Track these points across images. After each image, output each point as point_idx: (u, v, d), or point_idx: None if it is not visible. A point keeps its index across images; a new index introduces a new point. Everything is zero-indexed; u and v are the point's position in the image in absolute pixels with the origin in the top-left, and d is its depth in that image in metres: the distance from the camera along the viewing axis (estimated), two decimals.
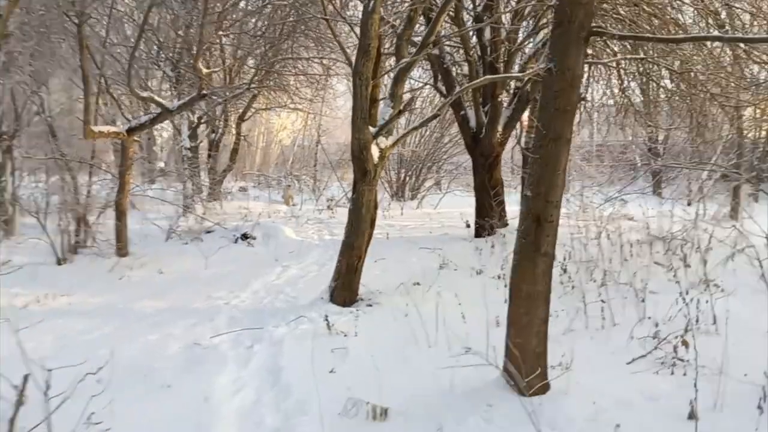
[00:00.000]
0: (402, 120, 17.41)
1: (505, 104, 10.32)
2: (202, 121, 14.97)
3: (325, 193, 19.03)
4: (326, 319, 4.91)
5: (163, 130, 24.46)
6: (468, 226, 12.29)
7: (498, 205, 10.26)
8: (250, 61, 13.81)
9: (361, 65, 5.27)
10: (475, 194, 10.43)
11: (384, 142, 5.76)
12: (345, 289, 5.92)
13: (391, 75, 5.95)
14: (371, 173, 5.64)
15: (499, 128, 9.89)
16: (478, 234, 10.25)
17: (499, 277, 7.24)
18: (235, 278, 7.79)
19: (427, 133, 18.71)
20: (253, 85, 13.85)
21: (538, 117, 3.45)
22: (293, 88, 16.28)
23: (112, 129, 7.57)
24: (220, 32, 8.53)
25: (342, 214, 14.90)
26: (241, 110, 16.67)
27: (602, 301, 5.22)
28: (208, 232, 10.77)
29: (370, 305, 6.08)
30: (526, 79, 9.59)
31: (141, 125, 7.67)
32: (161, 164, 22.86)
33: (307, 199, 17.49)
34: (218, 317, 5.97)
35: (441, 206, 16.87)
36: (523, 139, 11.22)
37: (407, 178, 18.77)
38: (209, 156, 16.73)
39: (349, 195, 18.01)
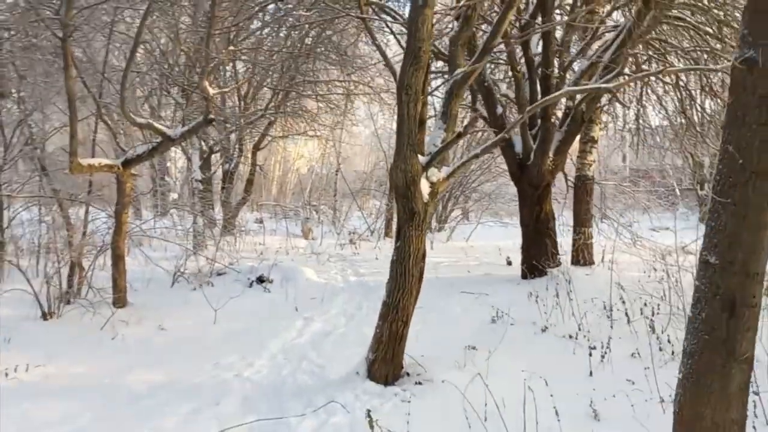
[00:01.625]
0: None
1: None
2: (215, 150, 13.93)
3: (346, 225, 17.81)
4: (368, 415, 3.61)
5: (178, 160, 23.59)
6: (509, 263, 10.98)
7: (550, 242, 8.94)
8: (266, 85, 12.72)
9: (410, 75, 4.06)
10: (522, 229, 9.13)
11: (435, 174, 4.52)
12: (387, 362, 4.63)
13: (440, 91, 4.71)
14: (420, 215, 4.39)
15: (550, 154, 8.62)
16: (527, 275, 8.92)
17: (571, 337, 5.91)
18: (248, 337, 6.53)
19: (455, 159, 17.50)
20: (269, 112, 12.81)
21: (727, 137, 2.18)
22: (312, 114, 15.22)
23: (105, 162, 6.43)
24: (231, 47, 7.47)
25: (366, 249, 13.66)
26: (256, 138, 15.63)
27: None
28: (220, 274, 9.57)
29: (420, 383, 4.76)
30: (580, 96, 8.38)
31: (138, 157, 6.54)
32: (174, 196, 21.93)
33: (327, 232, 16.29)
34: (226, 399, 4.70)
35: (473, 238, 15.56)
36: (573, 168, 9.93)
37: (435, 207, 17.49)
38: (223, 188, 15.66)
39: (374, 228, 16.83)
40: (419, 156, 4.31)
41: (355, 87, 13.86)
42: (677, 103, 10.79)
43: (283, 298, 8.41)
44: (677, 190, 24.32)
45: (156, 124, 6.27)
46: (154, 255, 10.51)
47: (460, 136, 4.29)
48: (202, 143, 13.42)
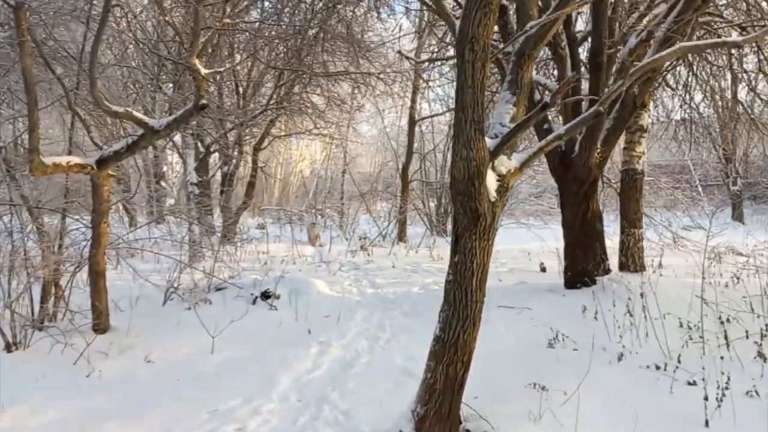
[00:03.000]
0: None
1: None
2: (213, 150, 12.77)
3: (356, 230, 16.62)
4: None
5: (175, 164, 22.46)
6: (543, 270, 9.80)
7: (598, 246, 7.76)
8: (270, 66, 11.49)
9: (475, 23, 2.89)
10: (565, 231, 7.95)
11: (505, 163, 3.36)
12: (442, 418, 3.46)
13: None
14: (486, 218, 3.23)
15: (598, 144, 7.45)
16: (572, 284, 7.74)
17: (658, 368, 4.73)
18: (253, 369, 5.35)
19: None
20: (271, 107, 11.66)
21: None
22: (317, 111, 14.04)
23: (75, 160, 5.25)
24: (226, 19, 6.30)
25: (380, 256, 12.48)
26: (257, 138, 14.47)
27: None
28: (219, 289, 8.37)
29: None
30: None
31: (116, 154, 5.37)
32: (171, 201, 20.75)
33: (335, 237, 15.10)
34: None
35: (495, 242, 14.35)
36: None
37: (450, 209, 16.28)
38: (222, 191, 14.49)
39: (386, 232, 15.62)
40: (487, 139, 3.15)
41: (364, 79, 12.68)
42: (724, 89, 9.67)
43: (293, 317, 7.23)
44: (699, 186, 23.15)
45: (135, 113, 5.11)
46: (145, 268, 9.34)
47: (546, 107, 3.12)
48: (198, 143, 12.26)
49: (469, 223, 3.23)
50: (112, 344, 5.90)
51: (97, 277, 6.37)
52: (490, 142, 3.22)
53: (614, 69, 7.79)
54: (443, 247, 13.17)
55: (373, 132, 24.39)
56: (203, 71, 4.91)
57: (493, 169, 3.30)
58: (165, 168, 22.20)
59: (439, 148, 16.64)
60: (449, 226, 16.14)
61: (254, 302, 7.89)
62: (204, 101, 4.95)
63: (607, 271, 7.75)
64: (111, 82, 10.48)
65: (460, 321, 3.36)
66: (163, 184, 21.02)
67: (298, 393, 4.79)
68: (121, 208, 19.90)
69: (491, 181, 3.27)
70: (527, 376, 4.72)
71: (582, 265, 7.62)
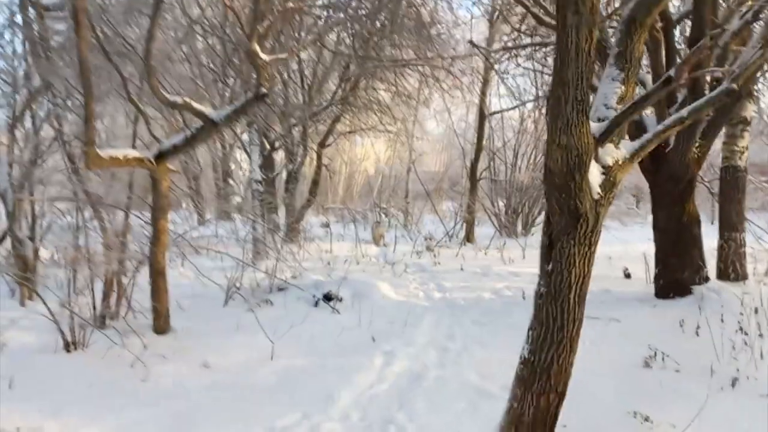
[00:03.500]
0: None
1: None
2: (277, 147, 12.59)
3: (421, 229, 16.13)
4: None
5: (244, 161, 22.61)
6: (628, 276, 8.99)
7: (695, 251, 6.95)
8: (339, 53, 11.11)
9: None
10: (657, 235, 7.18)
11: (612, 153, 2.79)
12: None
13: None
14: (589, 219, 2.68)
15: (697, 138, 6.64)
16: (665, 294, 6.97)
17: None
18: (312, 381, 4.95)
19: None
20: (335, 102, 11.34)
21: None
22: (383, 107, 13.63)
23: (133, 154, 5.02)
24: (290, 3, 5.94)
25: (447, 258, 11.92)
26: (321, 135, 14.22)
27: None
28: (281, 289, 8.09)
29: None
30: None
31: (175, 148, 5.11)
32: (238, 199, 20.91)
33: (399, 237, 14.67)
34: None
35: None
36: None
37: (521, 208, 15.53)
38: (286, 189, 14.32)
39: (453, 232, 15.02)
40: (592, 123, 2.59)
41: (432, 72, 12.16)
42: None
43: (356, 322, 6.81)
44: None
45: (194, 104, 4.82)
46: (209, 266, 9.19)
47: (669, 81, 2.51)
48: (264, 139, 12.09)
49: (567, 225, 2.68)
50: (170, 347, 5.65)
51: (157, 276, 6.16)
52: (594, 127, 2.66)
53: (714, 56, 6.94)
54: (513, 248, 12.47)
55: (440, 130, 23.81)
56: (264, 57, 4.55)
57: (598, 159, 2.74)
58: (233, 166, 22.47)
59: (510, 144, 15.89)
60: (519, 227, 15.39)
61: (316, 304, 7.55)
62: (265, 90, 4.59)
63: (705, 280, 6.92)
64: (178, 79, 10.44)
65: (554, 343, 2.81)
66: (230, 182, 21.28)
67: (361, 411, 4.34)
68: (190, 205, 20.29)
69: (595, 174, 2.71)
70: (624, 401, 4.10)
71: (676, 273, 6.85)
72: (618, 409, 3.93)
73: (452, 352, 5.72)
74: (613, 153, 2.79)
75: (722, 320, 5.19)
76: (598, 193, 2.74)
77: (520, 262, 11.17)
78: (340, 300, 7.55)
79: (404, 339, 6.17)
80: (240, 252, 9.15)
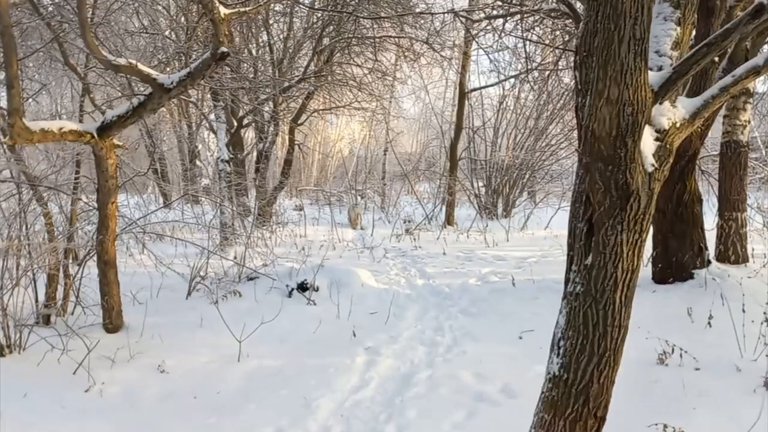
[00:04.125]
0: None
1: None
2: (245, 124, 11.81)
3: (398, 212, 15.52)
4: None
5: (213, 141, 21.68)
6: None
7: (696, 233, 6.46)
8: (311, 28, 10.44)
9: None
10: (654, 215, 6.64)
11: (670, 113, 2.20)
12: None
13: None
14: (640, 198, 2.09)
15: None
16: (663, 278, 6.49)
17: None
18: (287, 387, 4.33)
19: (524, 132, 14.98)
20: (308, 76, 10.60)
21: None
22: (359, 83, 12.89)
23: (69, 127, 4.24)
24: None
25: (427, 242, 11.35)
26: (293, 112, 13.44)
27: None
28: (251, 278, 7.40)
29: None
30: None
31: (120, 119, 4.37)
32: (205, 182, 20.00)
33: (377, 220, 14.04)
34: None
35: (552, 227, 13.02)
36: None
37: (502, 189, 15.01)
38: (257, 170, 13.56)
39: (433, 215, 14.42)
40: (650, 72, 1.99)
41: (410, 45, 11.47)
42: None
43: (334, 314, 6.20)
44: None
45: (141, 66, 4.08)
46: (171, 253, 8.46)
47: (760, 11, 1.91)
48: (231, 116, 11.29)
49: (614, 206, 2.09)
50: (120, 349, 4.95)
51: (105, 268, 5.43)
52: (652, 78, 2.06)
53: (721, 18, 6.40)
54: (496, 231, 11.96)
55: (416, 109, 23.14)
56: (223, 10, 3.84)
57: (651, 122, 2.15)
58: (200, 146, 21.49)
59: (490, 123, 15.32)
60: (500, 209, 14.90)
61: (290, 295, 6.90)
62: (224, 48, 3.89)
63: (707, 264, 6.45)
64: (136, 53, 9.58)
65: (594, 356, 2.22)
66: (198, 162, 20.35)
67: (343, 424, 3.73)
68: (156, 189, 19.36)
69: (648, 141, 2.12)
70: (646, 409, 3.57)
71: (676, 256, 6.36)
72: (641, 421, 3.39)
73: (442, 347, 5.14)
74: (670, 113, 2.19)
75: (744, 310, 4.68)
76: (652, 165, 2.16)
77: (504, 245, 10.66)
78: (317, 290, 6.91)
79: (388, 333, 5.58)
80: (206, 238, 8.42)
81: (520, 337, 5.17)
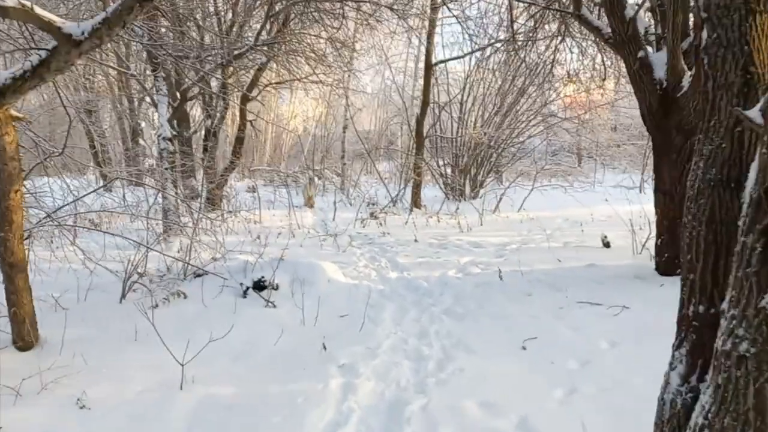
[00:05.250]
0: None
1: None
2: (190, 97, 10.61)
3: (360, 193, 14.59)
4: None
5: (155, 117, 20.21)
6: (607, 245, 7.85)
7: None
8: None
9: None
10: (660, 198, 5.98)
11: None
12: None
13: None
14: None
15: None
16: (669, 270, 5.81)
17: None
18: (242, 423, 3.38)
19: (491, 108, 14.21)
20: (261, 43, 9.48)
21: None
22: (317, 54, 11.79)
23: None
24: None
25: (395, 227, 10.46)
26: (245, 86, 12.25)
27: None
28: (199, 275, 6.36)
29: None
30: None
31: (15, 83, 3.28)
32: (150, 161, 18.56)
33: (338, 202, 13.05)
34: None
35: (524, 208, 12.31)
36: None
37: (469, 168, 14.23)
38: (205, 148, 12.38)
39: (398, 197, 13.48)
40: None
41: (372, 11, 10.45)
42: None
43: (299, 320, 5.26)
44: None
45: (40, 11, 3.01)
46: (105, 245, 7.35)
47: None
48: (173, 88, 10.08)
49: None
50: (31, 372, 3.88)
51: (12, 272, 4.33)
52: None
53: None
54: (468, 213, 11.18)
55: (374, 86, 22.06)
56: None
57: None
58: (143, 123, 19.95)
59: (457, 99, 14.46)
60: (467, 190, 14.14)
61: (245, 295, 5.91)
62: None
63: None
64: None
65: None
66: (141, 141, 18.84)
67: None
68: (97, 173, 17.80)
69: None
70: None
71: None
72: None
73: (431, 362, 4.27)
74: None
75: None
76: None
77: (479, 230, 9.89)
78: (276, 288, 5.94)
79: (364, 343, 4.68)
80: (145, 228, 7.33)
81: (524, 348, 4.35)
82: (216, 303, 5.62)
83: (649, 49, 5.90)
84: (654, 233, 6.70)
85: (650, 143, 6.61)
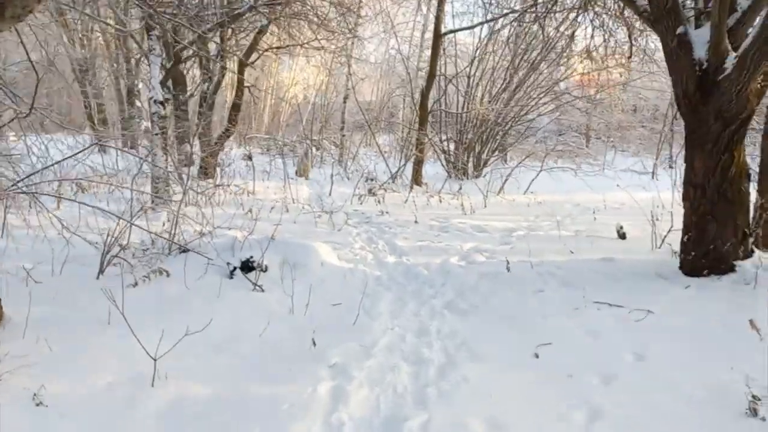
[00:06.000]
0: None
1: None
2: (184, 58, 10.02)
3: (359, 167, 14.07)
4: None
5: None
6: (623, 236, 7.38)
7: (741, 215, 5.30)
8: None
9: None
10: (689, 191, 5.47)
11: None
12: None
13: None
14: None
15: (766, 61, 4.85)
16: (696, 270, 5.33)
17: None
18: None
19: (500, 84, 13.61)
20: (261, 4, 8.88)
21: None
22: (319, 18, 11.15)
23: None
24: None
25: (394, 205, 9.98)
26: (243, 50, 11.63)
27: None
28: (184, 251, 5.87)
29: None
30: None
31: None
32: (146, 124, 17.98)
33: (335, 176, 12.52)
34: None
35: (531, 190, 11.81)
36: None
37: (474, 146, 13.70)
38: (200, 114, 11.82)
39: (398, 173, 12.95)
40: None
41: None
42: None
43: (287, 307, 4.81)
44: None
45: None
46: (85, 213, 6.85)
47: None
48: (167, 48, 9.49)
49: None
50: None
51: None
52: None
53: None
54: (472, 193, 10.70)
55: (377, 55, 21.34)
56: None
57: None
58: (140, 84, 19.29)
59: (465, 72, 13.83)
60: (470, 168, 13.62)
61: (231, 276, 5.45)
62: None
63: (750, 253, 5.33)
64: None
65: None
66: (138, 104, 18.22)
67: None
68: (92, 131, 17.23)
69: None
70: None
71: (715, 243, 5.20)
72: None
73: (432, 367, 3.82)
74: None
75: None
76: None
77: (483, 212, 9.41)
78: (265, 270, 5.48)
79: (358, 339, 4.23)
80: (130, 195, 6.82)
81: (536, 355, 3.90)
82: (200, 284, 5.15)
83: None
84: (675, 226, 6.25)
85: (672, 128, 6.10)
